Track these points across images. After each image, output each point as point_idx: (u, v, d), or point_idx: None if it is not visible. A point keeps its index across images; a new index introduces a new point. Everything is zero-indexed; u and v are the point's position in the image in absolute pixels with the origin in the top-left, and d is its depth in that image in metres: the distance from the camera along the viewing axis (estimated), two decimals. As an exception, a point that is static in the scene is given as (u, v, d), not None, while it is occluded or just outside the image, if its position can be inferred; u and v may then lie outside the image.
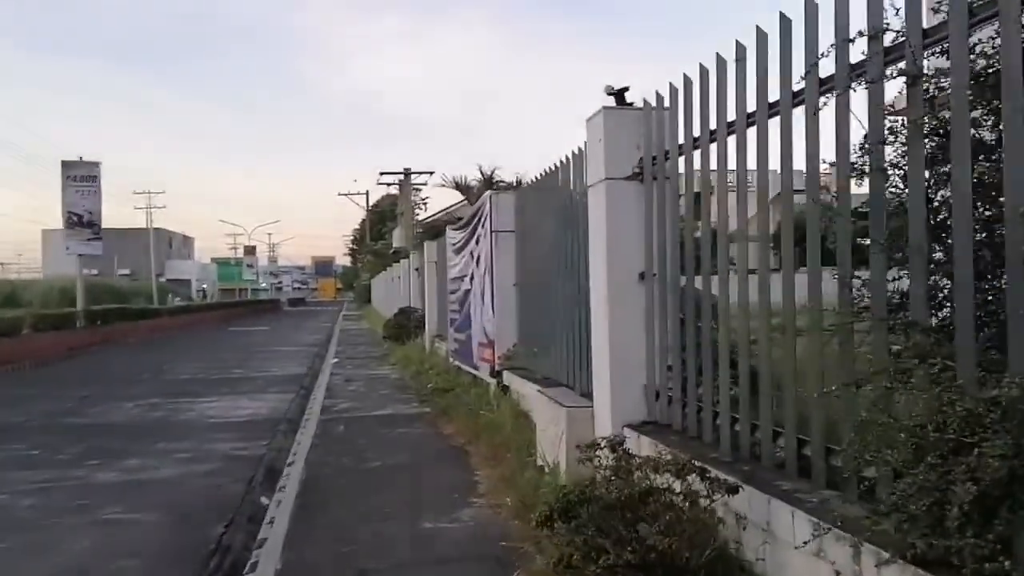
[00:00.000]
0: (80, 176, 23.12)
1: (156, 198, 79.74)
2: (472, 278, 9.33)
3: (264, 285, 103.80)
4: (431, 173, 46.15)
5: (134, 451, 7.68)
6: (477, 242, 8.92)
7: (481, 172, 18.69)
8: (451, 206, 18.73)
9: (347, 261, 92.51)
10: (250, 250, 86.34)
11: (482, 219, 8.59)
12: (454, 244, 10.87)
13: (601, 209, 4.69)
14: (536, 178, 7.29)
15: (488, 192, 8.07)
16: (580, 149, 5.65)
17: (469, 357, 9.53)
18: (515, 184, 17.94)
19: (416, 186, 48.40)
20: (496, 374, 8.02)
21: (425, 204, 54.20)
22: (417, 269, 18.66)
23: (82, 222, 22.93)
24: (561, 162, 6.34)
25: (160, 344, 24.80)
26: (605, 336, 4.66)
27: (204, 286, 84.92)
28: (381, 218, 61.52)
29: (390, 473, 6.18)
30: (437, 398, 9.33)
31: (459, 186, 18.38)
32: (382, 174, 45.22)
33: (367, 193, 61.93)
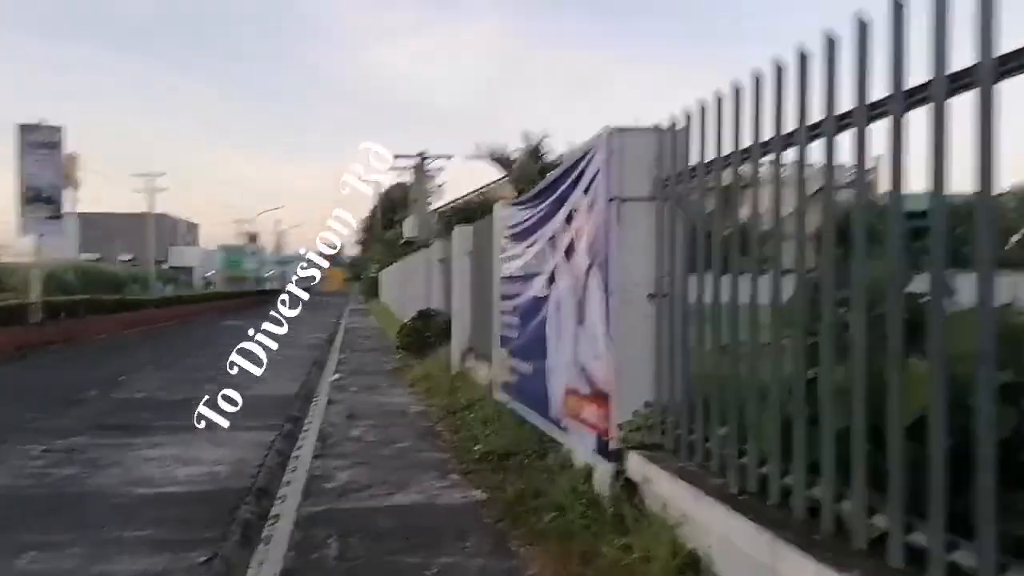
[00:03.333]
0: (39, 143, 19.63)
1: (157, 181, 76.95)
2: (553, 279, 5.77)
3: (271, 273, 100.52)
4: (449, 157, 42.68)
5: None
6: (568, 220, 5.36)
7: (527, 141, 15.17)
8: (487, 184, 15.12)
9: (356, 250, 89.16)
10: (252, 237, 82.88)
11: (582, 181, 5.04)
12: (513, 227, 7.31)
13: None
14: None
15: (606, 129, 4.55)
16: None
17: (541, 405, 5.99)
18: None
19: (431, 172, 45.01)
20: (612, 454, 4.48)
21: (441, 190, 50.81)
22: (442, 261, 15.11)
23: (40, 197, 19.44)
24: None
25: (133, 344, 21.33)
26: None
27: (210, 274, 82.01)
28: (392, 207, 58.15)
29: None
30: (493, 473, 5.79)
31: (497, 158, 14.83)
32: (396, 157, 41.71)
33: (377, 180, 58.51)
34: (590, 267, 4.91)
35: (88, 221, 68.33)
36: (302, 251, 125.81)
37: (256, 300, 55.22)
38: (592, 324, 4.86)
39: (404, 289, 25.23)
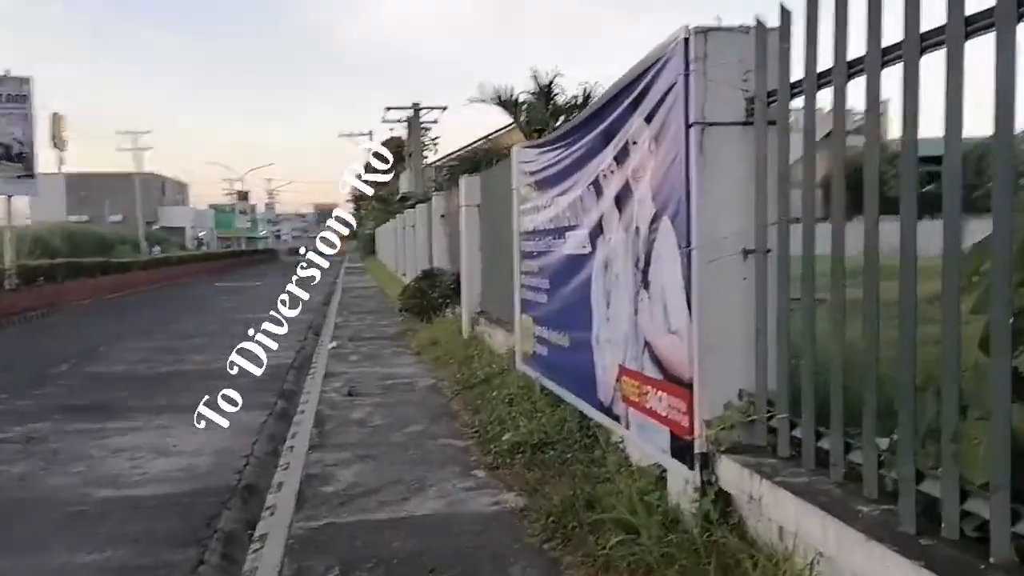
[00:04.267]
0: (7, 96, 18.17)
1: (143, 139, 75.14)
2: (599, 232, 4.64)
3: (264, 233, 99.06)
4: (444, 108, 41.07)
5: None
6: (621, 158, 4.22)
7: (536, 81, 13.76)
8: (494, 132, 13.79)
9: (350, 209, 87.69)
10: (243, 195, 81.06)
11: (642, 105, 3.89)
12: (536, 173, 6.16)
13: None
14: None
15: (682, 30, 3.41)
16: None
17: (584, 384, 4.92)
18: (581, 102, 13.02)
19: (426, 125, 43.42)
20: (696, 458, 3.44)
21: (436, 145, 49.23)
22: (444, 216, 13.96)
23: (10, 154, 18.03)
24: None
25: (116, 309, 20.22)
26: None
27: (202, 234, 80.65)
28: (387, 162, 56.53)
29: None
30: (528, 470, 4.76)
31: (503, 101, 13.52)
32: (388, 109, 40.10)
33: (370, 133, 56.84)
34: (657, 217, 3.79)
35: (77, 182, 66.73)
36: (298, 211, 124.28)
37: (249, 260, 54.00)
38: (662, 290, 3.76)
39: (403, 247, 24.08)
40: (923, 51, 2.41)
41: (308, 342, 12.56)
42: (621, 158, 4.25)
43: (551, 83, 13.38)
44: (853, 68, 2.75)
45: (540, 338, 6.17)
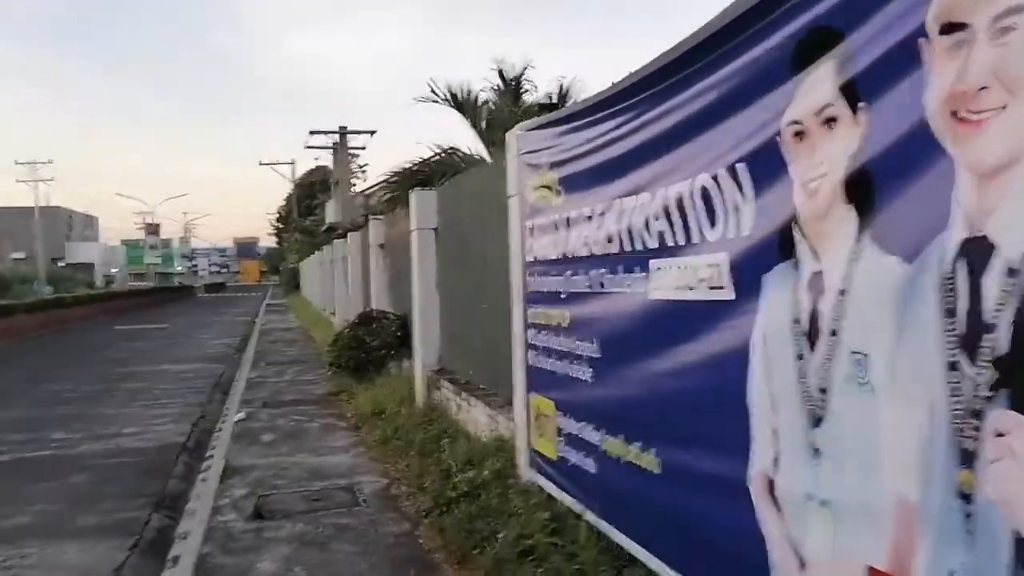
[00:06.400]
0: None
1: (44, 170, 70.02)
2: (764, 258, 2.22)
3: (179, 268, 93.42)
4: (372, 133, 38.47)
5: None
6: (868, 88, 1.84)
7: (501, 76, 11.25)
8: (443, 151, 11.15)
9: (272, 242, 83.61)
10: (153, 228, 75.89)
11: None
12: (561, 164, 3.72)
13: None
14: None
15: None
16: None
17: (713, 561, 2.46)
18: (557, 100, 10.58)
19: (354, 151, 40.68)
20: None
21: (364, 173, 46.48)
22: (383, 246, 11.34)
23: None
24: None
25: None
26: None
27: (113, 271, 75.32)
28: (311, 192, 53.34)
29: None
30: None
31: (458, 101, 10.99)
32: (312, 133, 37.24)
33: (293, 163, 53.78)
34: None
35: (-26, 217, 61.14)
36: (216, 244, 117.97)
37: (159, 299, 49.58)
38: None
39: (330, 282, 21.22)
40: None
41: (211, 407, 9.69)
42: (877, 82, 1.86)
43: (520, 76, 11.01)
44: None
45: (576, 439, 3.68)
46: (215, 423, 8.66)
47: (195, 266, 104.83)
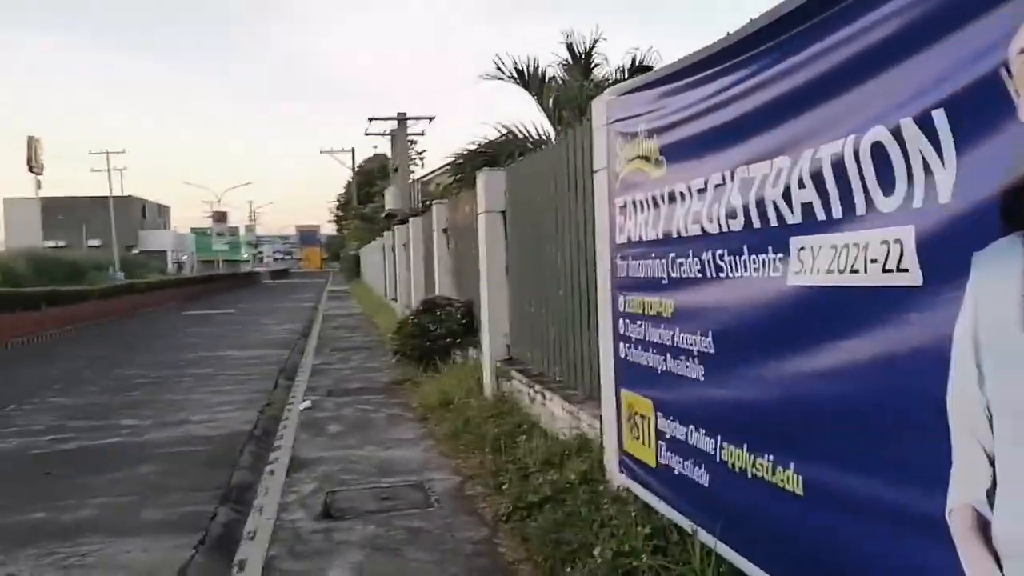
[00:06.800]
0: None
1: (118, 159, 72.08)
2: (984, 229, 1.72)
3: (245, 256, 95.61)
4: (431, 119, 38.27)
5: None
6: None
7: (570, 50, 10.74)
8: (501, 135, 10.73)
9: (332, 229, 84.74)
10: (220, 216, 77.58)
11: None
12: (665, 131, 3.25)
13: None
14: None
15: None
16: None
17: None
18: (632, 69, 10.05)
19: (412, 136, 40.61)
20: None
21: (422, 159, 46.47)
22: (447, 230, 11.00)
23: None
24: None
25: (58, 347, 17.04)
26: None
27: (183, 258, 77.42)
28: (370, 179, 53.64)
29: None
30: None
31: (524, 78, 10.53)
32: (371, 120, 37.23)
33: (353, 151, 54.07)
34: None
35: (55, 206, 63.47)
36: (280, 232, 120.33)
37: (227, 285, 50.65)
38: None
39: (392, 268, 21.09)
40: None
41: (277, 394, 9.55)
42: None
43: (591, 50, 10.43)
44: None
45: (682, 445, 3.22)
46: (281, 411, 8.47)
47: (260, 253, 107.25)
